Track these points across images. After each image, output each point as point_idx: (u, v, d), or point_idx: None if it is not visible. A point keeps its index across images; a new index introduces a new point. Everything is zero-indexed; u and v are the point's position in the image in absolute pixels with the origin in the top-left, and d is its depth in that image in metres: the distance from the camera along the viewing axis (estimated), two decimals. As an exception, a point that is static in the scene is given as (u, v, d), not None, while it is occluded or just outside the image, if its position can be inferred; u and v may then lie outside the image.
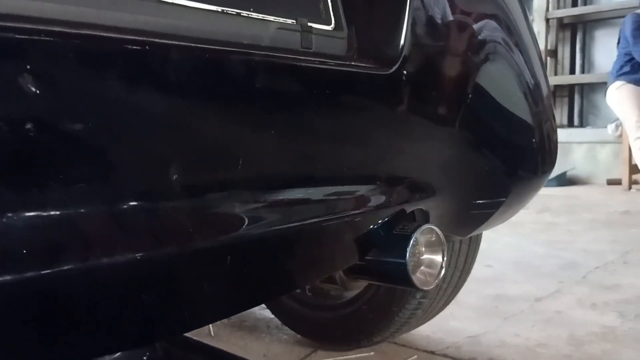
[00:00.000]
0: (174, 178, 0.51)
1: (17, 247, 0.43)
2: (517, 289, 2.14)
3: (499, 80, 0.98)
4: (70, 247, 0.46)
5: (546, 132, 1.10)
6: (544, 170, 1.15)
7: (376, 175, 0.81)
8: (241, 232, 0.60)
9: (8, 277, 0.42)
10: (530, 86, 1.02)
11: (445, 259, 0.91)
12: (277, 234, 0.66)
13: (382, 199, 0.83)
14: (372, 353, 1.54)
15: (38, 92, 0.41)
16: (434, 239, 0.90)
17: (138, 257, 0.48)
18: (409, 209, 0.90)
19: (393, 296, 1.38)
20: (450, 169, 0.94)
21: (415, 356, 1.52)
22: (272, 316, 1.78)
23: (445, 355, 1.52)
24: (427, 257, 0.91)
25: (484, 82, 0.90)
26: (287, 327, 1.72)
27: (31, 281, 0.44)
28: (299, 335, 1.67)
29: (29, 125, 0.41)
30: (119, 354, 0.57)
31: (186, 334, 1.79)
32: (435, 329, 1.71)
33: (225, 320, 1.95)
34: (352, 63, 0.70)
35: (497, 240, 3.12)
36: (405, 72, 0.76)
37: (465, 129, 0.94)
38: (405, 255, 0.84)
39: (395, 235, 0.86)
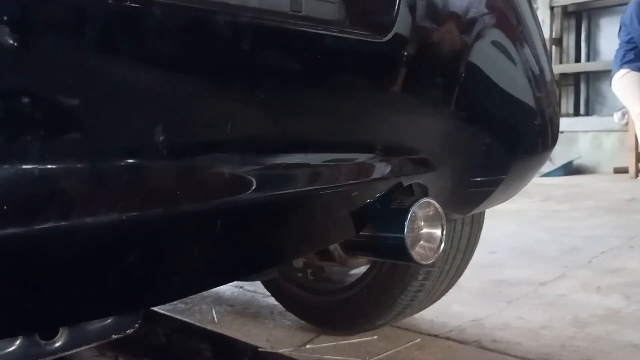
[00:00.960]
0: (161, 139, 0.50)
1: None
2: (520, 274, 2.13)
3: (498, 55, 0.97)
4: (54, 205, 0.45)
5: (546, 110, 1.08)
6: (544, 148, 1.14)
7: (371, 145, 0.80)
8: (231, 197, 0.59)
9: None
10: (531, 63, 1.01)
11: (444, 232, 0.90)
12: (268, 201, 0.65)
13: (378, 170, 0.83)
14: (376, 337, 1.53)
15: (17, 45, 0.41)
16: (432, 212, 0.89)
17: (123, 218, 0.48)
18: (406, 182, 0.89)
19: (394, 278, 1.37)
20: (448, 143, 0.93)
21: (419, 339, 1.51)
22: (276, 303, 1.78)
23: (448, 338, 1.52)
24: (426, 232, 0.90)
25: (481, 56, 0.89)
26: (290, 314, 1.72)
27: (12, 239, 0.43)
28: (303, 321, 1.67)
29: (9, 78, 0.41)
30: (108, 320, 0.56)
31: (189, 320, 1.80)
32: (439, 313, 1.71)
33: (228, 307, 1.95)
34: (344, 29, 0.69)
35: (500, 228, 3.10)
36: (399, 40, 0.74)
37: (462, 103, 0.92)
38: (404, 230, 0.83)
39: (393, 210, 0.85)
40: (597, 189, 4.55)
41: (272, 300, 1.81)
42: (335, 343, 1.50)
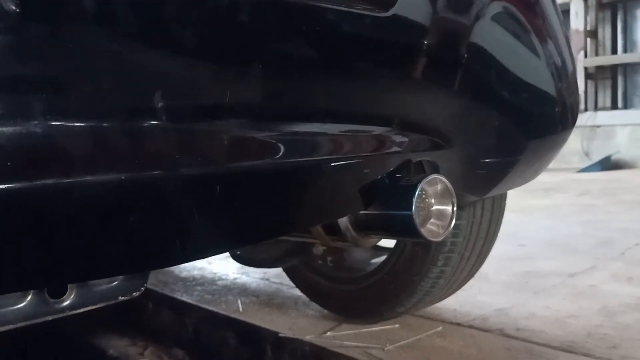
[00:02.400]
0: (160, 105, 0.52)
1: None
2: (549, 266, 2.08)
3: (506, 32, 0.96)
4: (56, 162, 0.48)
5: (563, 88, 1.07)
6: (564, 127, 1.12)
7: (375, 118, 0.81)
8: (238, 162, 0.61)
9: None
10: (543, 37, 1.00)
11: (455, 209, 0.89)
12: (274, 168, 0.67)
13: (385, 144, 0.83)
14: (397, 325, 1.53)
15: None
16: (442, 189, 0.88)
17: (123, 178, 0.50)
18: (415, 159, 0.89)
19: (414, 265, 1.37)
20: (458, 121, 0.93)
21: (441, 327, 1.50)
22: (301, 294, 1.79)
23: (471, 327, 1.50)
24: (437, 209, 0.90)
25: (487, 33, 0.89)
26: (314, 304, 1.73)
27: (16, 194, 0.46)
28: (326, 311, 1.68)
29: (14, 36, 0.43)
30: (115, 282, 0.58)
31: (215, 310, 1.83)
32: (462, 303, 1.69)
33: (253, 298, 1.98)
34: (344, 3, 0.70)
35: (532, 222, 3.05)
36: (403, 14, 0.75)
37: (468, 81, 0.92)
38: (412, 206, 0.83)
39: (401, 186, 0.85)
40: (635, 184, 4.42)
41: (297, 292, 1.82)
42: (356, 331, 1.50)
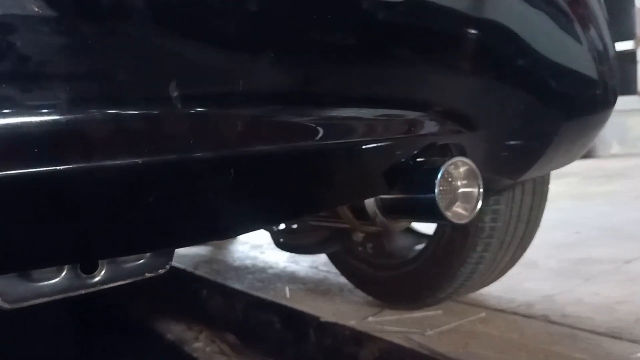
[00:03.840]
0: (178, 93, 0.56)
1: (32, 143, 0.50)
2: (603, 253, 2.02)
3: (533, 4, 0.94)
4: (79, 147, 0.53)
5: (599, 62, 1.04)
6: (604, 105, 1.09)
7: (399, 101, 0.82)
8: (262, 145, 0.65)
9: (29, 170, 0.50)
10: (572, 6, 0.97)
11: (481, 191, 0.89)
12: (299, 150, 0.70)
13: (408, 127, 0.84)
14: (440, 311, 1.53)
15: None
16: (467, 171, 0.89)
17: (140, 162, 0.54)
18: (440, 141, 0.89)
19: (453, 250, 1.37)
20: (484, 102, 0.92)
21: (484, 314, 1.49)
22: (346, 282, 1.82)
23: (515, 313, 1.48)
24: (463, 191, 0.90)
25: (511, 9, 0.88)
26: (358, 291, 1.76)
27: (45, 177, 0.51)
28: (370, 297, 1.70)
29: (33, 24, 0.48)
30: (142, 260, 0.63)
31: (263, 296, 1.89)
32: (508, 290, 1.67)
33: (300, 285, 2.03)
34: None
35: (590, 209, 2.95)
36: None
37: (498, 61, 0.92)
38: (434, 189, 0.84)
39: (425, 169, 0.86)
40: None
41: (343, 279, 1.85)
42: (398, 316, 1.52)
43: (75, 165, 0.55)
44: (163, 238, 0.60)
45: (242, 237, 3.27)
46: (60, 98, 0.54)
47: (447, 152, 0.93)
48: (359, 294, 1.76)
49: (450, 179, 0.90)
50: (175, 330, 2.25)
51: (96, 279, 0.61)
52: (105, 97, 0.57)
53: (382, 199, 0.95)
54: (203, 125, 0.63)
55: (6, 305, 0.55)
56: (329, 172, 0.81)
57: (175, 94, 0.57)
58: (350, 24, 0.76)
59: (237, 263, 2.64)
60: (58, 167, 0.54)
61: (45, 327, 2.24)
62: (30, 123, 0.51)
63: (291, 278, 2.17)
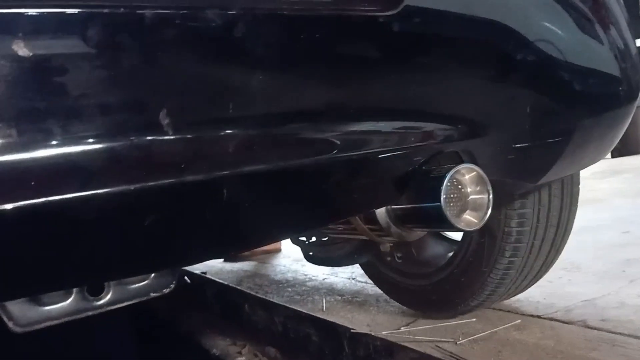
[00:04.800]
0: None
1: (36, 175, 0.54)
2: (653, 253, 1.93)
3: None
4: (80, 176, 0.56)
5: (615, 58, 1.01)
6: (629, 98, 1.06)
7: (405, 112, 0.83)
8: (253, 165, 0.67)
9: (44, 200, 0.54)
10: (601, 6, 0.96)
11: (491, 197, 0.88)
12: (305, 166, 0.72)
13: (414, 138, 0.84)
14: (474, 319, 1.50)
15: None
16: (475, 178, 0.88)
17: (152, 185, 0.57)
18: (447, 149, 0.89)
19: (481, 256, 1.35)
20: (491, 108, 0.92)
21: (519, 320, 1.45)
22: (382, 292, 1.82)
23: (552, 319, 1.44)
24: (473, 198, 0.89)
25: (514, 8, 0.87)
26: (395, 301, 1.75)
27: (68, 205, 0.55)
28: (405, 307, 1.69)
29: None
30: (146, 281, 0.66)
31: (299, 309, 1.91)
32: (548, 295, 1.63)
33: (338, 297, 2.04)
34: (344, 7, 0.72)
35: (641, 206, 2.82)
36: (413, 9, 0.76)
37: (503, 66, 0.91)
38: (440, 197, 0.84)
39: (432, 178, 0.86)
40: None
41: (380, 290, 1.85)
42: (432, 326, 1.50)
43: (79, 194, 0.58)
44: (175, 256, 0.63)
45: (284, 251, 3.31)
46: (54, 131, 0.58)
47: (455, 159, 0.93)
48: (395, 304, 1.75)
49: (460, 187, 0.90)
50: (220, 345, 2.30)
51: (103, 301, 0.65)
52: (102, 126, 0.60)
53: (393, 209, 0.95)
54: (210, 146, 0.66)
55: (18, 329, 0.59)
56: (335, 185, 0.82)
57: (166, 121, 0.60)
58: (347, 39, 0.78)
59: (278, 277, 2.68)
60: (64, 196, 0.58)
61: (101, 336, 2.33)
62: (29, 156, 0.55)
63: (329, 290, 2.18)
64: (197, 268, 2.86)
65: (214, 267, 3.05)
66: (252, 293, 2.36)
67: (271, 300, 2.18)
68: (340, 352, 1.58)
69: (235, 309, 2.41)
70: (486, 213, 0.88)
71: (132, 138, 0.60)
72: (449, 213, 0.84)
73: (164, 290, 0.67)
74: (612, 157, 7.19)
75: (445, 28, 0.85)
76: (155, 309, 2.75)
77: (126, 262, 0.61)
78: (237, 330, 2.32)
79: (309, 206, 0.81)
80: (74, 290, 0.63)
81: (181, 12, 0.60)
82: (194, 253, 0.66)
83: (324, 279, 2.40)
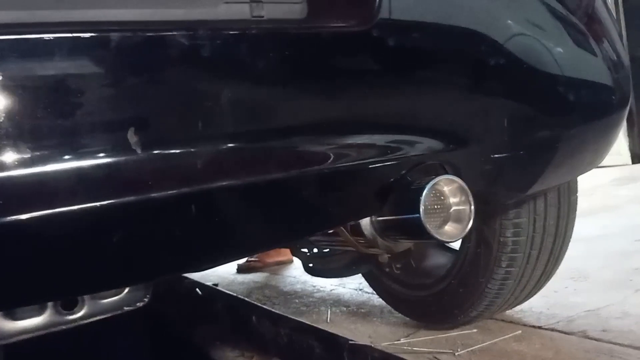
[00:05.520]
0: (138, 139, 0.61)
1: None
2: (662, 261, 1.89)
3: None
4: (62, 192, 0.58)
5: (601, 64, 1.01)
6: (621, 104, 1.06)
7: (384, 125, 0.84)
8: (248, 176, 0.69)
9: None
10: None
11: (472, 208, 0.88)
12: (282, 179, 0.74)
13: (393, 150, 0.85)
14: (475, 330, 1.49)
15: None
16: (456, 189, 0.88)
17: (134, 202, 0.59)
18: (428, 160, 0.89)
19: (478, 267, 1.34)
20: (475, 116, 0.92)
21: (520, 331, 1.44)
22: (386, 303, 1.82)
23: (552, 330, 1.42)
24: (455, 210, 0.89)
25: (493, 19, 0.87)
26: (397, 312, 1.75)
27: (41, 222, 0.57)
28: (407, 318, 1.68)
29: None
30: (120, 295, 0.68)
31: (302, 320, 1.92)
32: (552, 305, 1.60)
33: (343, 308, 2.04)
34: (316, 25, 0.74)
35: (656, 214, 2.76)
36: (388, 23, 0.77)
37: (483, 78, 0.91)
38: (419, 209, 0.84)
39: (412, 190, 0.87)
40: None
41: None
42: (432, 337, 1.49)
43: (50, 212, 0.60)
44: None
45: (296, 262, 3.32)
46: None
47: (438, 171, 0.93)
48: (398, 315, 1.74)
49: (442, 198, 0.90)
50: (229, 357, 2.31)
51: (77, 315, 0.66)
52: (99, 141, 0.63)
53: (377, 220, 0.96)
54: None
55: (-9, 343, 0.61)
56: (315, 196, 0.83)
57: (135, 139, 0.62)
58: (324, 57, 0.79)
59: (287, 288, 2.69)
60: (34, 214, 0.60)
61: (110, 347, 2.36)
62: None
63: (336, 301, 2.18)
64: (208, 280, 2.89)
65: (226, 279, 3.07)
66: (259, 305, 2.37)
67: (275, 311, 2.19)
68: (340, 363, 1.58)
69: (245, 321, 2.43)
70: (468, 224, 0.88)
71: (101, 155, 0.62)
72: (428, 225, 0.84)
73: (138, 304, 0.68)
74: (633, 163, 7.05)
75: (423, 41, 0.86)
76: (171, 321, 2.78)
77: (97, 277, 0.63)
78: (247, 342, 2.33)
79: (290, 218, 0.83)
80: (49, 304, 0.65)
81: (147, 34, 0.62)
82: (166, 267, 0.67)
83: (331, 290, 2.40)
